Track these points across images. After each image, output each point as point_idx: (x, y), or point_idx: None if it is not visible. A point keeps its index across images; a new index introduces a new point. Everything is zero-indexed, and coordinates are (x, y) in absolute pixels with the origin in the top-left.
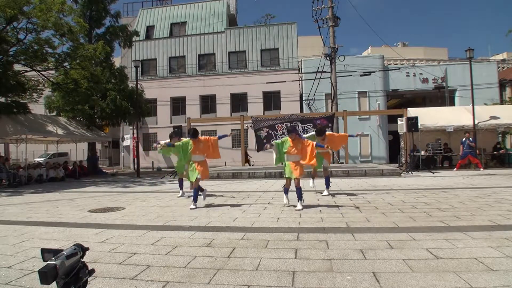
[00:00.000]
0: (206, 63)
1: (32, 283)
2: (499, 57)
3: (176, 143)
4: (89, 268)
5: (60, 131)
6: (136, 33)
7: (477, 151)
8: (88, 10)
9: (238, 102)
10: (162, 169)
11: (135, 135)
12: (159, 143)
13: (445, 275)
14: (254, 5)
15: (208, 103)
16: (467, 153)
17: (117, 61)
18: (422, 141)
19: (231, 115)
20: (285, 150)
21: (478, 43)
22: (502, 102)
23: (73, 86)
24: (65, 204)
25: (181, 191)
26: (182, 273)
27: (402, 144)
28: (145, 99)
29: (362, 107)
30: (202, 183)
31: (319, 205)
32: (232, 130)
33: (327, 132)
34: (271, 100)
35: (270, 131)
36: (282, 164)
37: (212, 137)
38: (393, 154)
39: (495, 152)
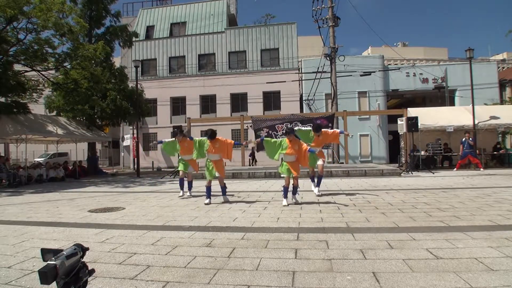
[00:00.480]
0: (206, 63)
1: (32, 283)
2: (499, 57)
3: (195, 139)
4: (89, 268)
5: (60, 131)
6: (135, 34)
7: (477, 151)
8: (88, 10)
9: (238, 102)
10: (162, 169)
11: (135, 135)
12: (161, 142)
13: (445, 275)
14: (254, 5)
15: (208, 103)
16: (467, 153)
17: (117, 61)
18: (422, 141)
19: (231, 115)
20: (283, 151)
21: (478, 43)
22: (502, 102)
23: (73, 86)
24: (65, 204)
25: (181, 191)
26: (182, 273)
27: (402, 144)
28: (145, 99)
29: (362, 107)
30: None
31: (319, 205)
32: (246, 140)
33: (322, 130)
34: (271, 100)
35: (270, 132)
36: (280, 161)
37: (229, 140)
38: (393, 154)
39: (495, 152)
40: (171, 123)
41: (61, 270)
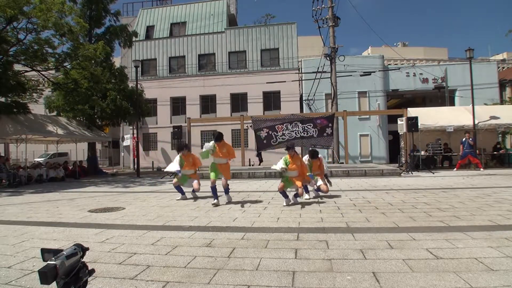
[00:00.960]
0: (206, 63)
1: (32, 283)
2: (499, 57)
3: (209, 147)
4: (89, 268)
5: (60, 131)
6: (135, 34)
7: (477, 151)
8: (88, 9)
9: (238, 102)
10: (162, 169)
11: (135, 135)
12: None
13: (445, 275)
14: (254, 5)
15: (208, 103)
16: (467, 153)
17: (117, 61)
18: (422, 141)
19: (231, 115)
20: (286, 167)
21: (478, 43)
22: (502, 102)
23: (73, 86)
24: (65, 204)
25: (180, 195)
26: (182, 273)
27: (402, 144)
28: (145, 99)
29: (362, 107)
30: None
31: (319, 205)
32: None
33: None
34: (271, 100)
35: (270, 132)
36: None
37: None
38: (393, 154)
39: (495, 152)
40: (171, 123)
41: (61, 270)
